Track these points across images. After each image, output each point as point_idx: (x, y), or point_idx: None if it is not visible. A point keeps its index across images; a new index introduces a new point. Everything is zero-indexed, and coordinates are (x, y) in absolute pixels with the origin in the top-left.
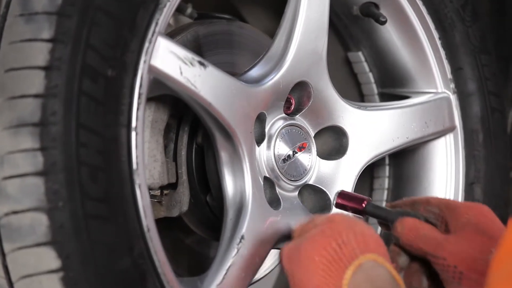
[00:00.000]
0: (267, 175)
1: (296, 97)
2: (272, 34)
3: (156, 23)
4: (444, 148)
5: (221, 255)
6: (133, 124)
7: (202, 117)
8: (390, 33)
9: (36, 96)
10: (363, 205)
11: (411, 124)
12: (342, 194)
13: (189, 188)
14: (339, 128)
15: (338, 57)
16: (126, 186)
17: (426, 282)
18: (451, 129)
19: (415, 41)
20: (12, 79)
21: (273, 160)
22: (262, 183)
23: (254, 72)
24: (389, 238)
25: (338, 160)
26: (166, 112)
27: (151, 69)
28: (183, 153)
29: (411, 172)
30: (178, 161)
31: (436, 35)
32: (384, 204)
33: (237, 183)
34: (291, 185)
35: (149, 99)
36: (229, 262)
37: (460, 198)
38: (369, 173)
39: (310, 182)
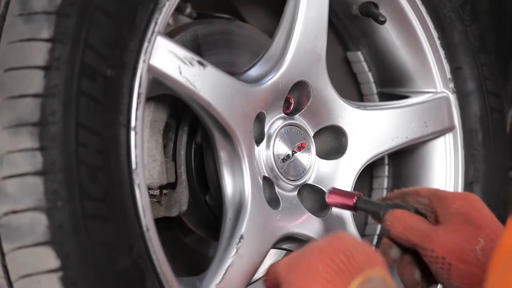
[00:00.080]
0: (266, 175)
1: (296, 97)
2: (271, 33)
3: (155, 23)
4: (443, 148)
5: (220, 254)
6: (133, 123)
7: (201, 117)
8: (389, 33)
9: (35, 95)
10: (354, 200)
11: (410, 123)
12: (333, 192)
13: (188, 187)
14: (338, 127)
15: (338, 57)
16: (125, 185)
17: (419, 273)
18: (450, 128)
19: (414, 40)
20: (11, 79)
21: (272, 159)
22: (261, 182)
23: (254, 72)
24: None
25: (337, 159)
26: (165, 111)
27: (150, 69)
28: (182, 152)
29: (411, 172)
30: (177, 161)
31: (435, 34)
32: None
33: (236, 182)
34: (290, 184)
35: (148, 99)
36: (228, 262)
37: None
38: (368, 173)
39: (310, 182)
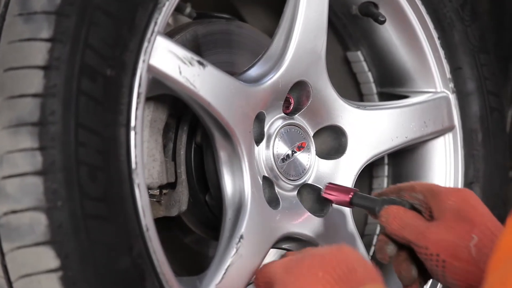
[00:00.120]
0: (266, 175)
1: (295, 97)
2: (271, 33)
3: (155, 23)
4: (443, 148)
5: (220, 254)
6: (132, 123)
7: (201, 117)
8: (389, 33)
9: (35, 95)
10: (350, 196)
11: (410, 123)
12: (329, 187)
13: (188, 187)
14: (338, 127)
15: (337, 57)
16: (125, 185)
17: (415, 270)
18: (450, 128)
19: (414, 40)
20: (11, 79)
21: (272, 159)
22: (261, 182)
23: (253, 72)
24: None
25: (337, 159)
26: (165, 111)
27: (150, 69)
28: (182, 152)
29: (410, 172)
30: (177, 161)
31: (435, 34)
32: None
33: (236, 182)
34: (290, 184)
35: (148, 99)
36: (228, 261)
37: None
38: (368, 173)
39: (309, 182)
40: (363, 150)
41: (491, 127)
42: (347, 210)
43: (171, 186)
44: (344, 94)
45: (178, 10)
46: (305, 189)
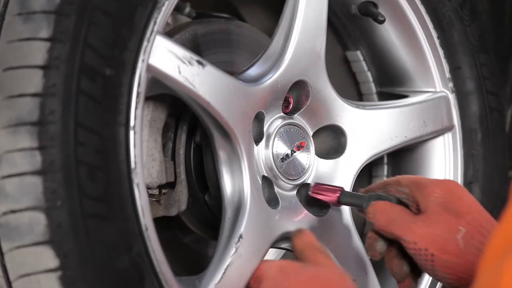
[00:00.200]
0: (266, 174)
1: (295, 96)
2: (270, 33)
3: (155, 22)
4: (443, 147)
5: (219, 254)
6: (132, 123)
7: (200, 116)
8: (388, 32)
9: (34, 95)
10: (337, 194)
11: (410, 123)
12: (316, 187)
13: (187, 187)
14: (337, 127)
15: (337, 56)
16: (124, 185)
17: (407, 266)
18: (450, 128)
19: (413, 40)
20: (10, 78)
21: (272, 159)
22: (260, 182)
23: (253, 71)
24: None
25: (337, 159)
26: (164, 111)
27: (150, 68)
28: (181, 152)
29: (410, 171)
30: (177, 160)
31: (434, 34)
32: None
33: (235, 182)
34: (290, 184)
35: (148, 98)
36: (227, 261)
37: None
38: (367, 172)
39: (309, 181)
40: (363, 150)
41: (490, 127)
42: (346, 210)
43: (171, 185)
44: (344, 94)
45: (178, 9)
46: (304, 188)
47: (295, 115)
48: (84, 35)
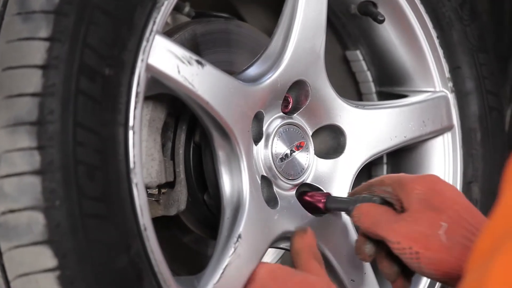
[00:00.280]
0: (265, 174)
1: (294, 96)
2: (270, 32)
3: (154, 22)
4: (442, 147)
5: (218, 254)
6: (131, 123)
7: (199, 116)
8: (388, 32)
9: (33, 95)
10: (323, 201)
11: (409, 123)
12: (303, 193)
13: (186, 186)
14: (337, 127)
15: (336, 56)
16: (123, 185)
17: (397, 266)
18: (449, 128)
19: (413, 40)
20: (9, 78)
21: (271, 159)
22: (259, 182)
23: (252, 71)
24: None
25: (336, 159)
26: (163, 110)
27: (149, 68)
28: (180, 151)
29: (409, 171)
30: (176, 160)
31: (434, 34)
32: None
33: (235, 182)
34: (289, 184)
35: (147, 98)
36: (226, 261)
37: None
38: (367, 172)
39: (308, 181)
40: (362, 150)
41: (490, 127)
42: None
43: (170, 185)
44: (343, 93)
45: (177, 9)
46: (303, 188)
47: (295, 114)
48: (83, 35)
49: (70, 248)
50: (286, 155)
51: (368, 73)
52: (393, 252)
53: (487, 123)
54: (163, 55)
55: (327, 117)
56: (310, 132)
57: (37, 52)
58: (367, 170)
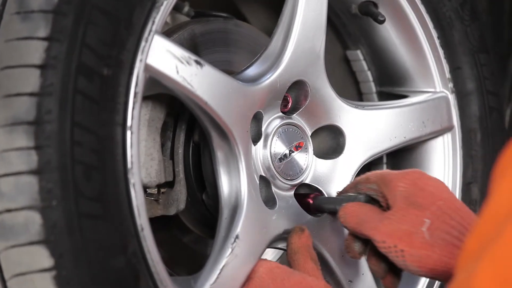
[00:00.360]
0: (263, 174)
1: (293, 96)
2: (271, 32)
3: (153, 22)
4: (442, 148)
5: (215, 254)
6: (129, 123)
7: (198, 116)
8: (388, 32)
9: (31, 94)
10: (310, 201)
11: (409, 123)
12: (295, 195)
13: (186, 186)
14: (336, 127)
15: (337, 55)
16: (121, 185)
17: (386, 263)
18: (449, 128)
19: (413, 40)
20: (7, 77)
21: (269, 159)
22: (258, 182)
23: (251, 71)
24: None
25: (335, 159)
26: (163, 110)
27: (147, 68)
28: (180, 151)
29: None
30: (175, 159)
31: (434, 34)
32: None
33: (233, 182)
34: (287, 184)
35: (146, 98)
36: (223, 262)
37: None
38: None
39: (307, 181)
40: (361, 150)
41: (490, 127)
42: None
43: (169, 185)
44: (343, 93)
45: (176, 8)
46: (302, 188)
47: (294, 115)
48: (82, 34)
49: (66, 248)
50: (285, 155)
51: (369, 73)
52: (380, 251)
53: (487, 124)
54: (162, 55)
55: (327, 117)
56: (309, 132)
57: (36, 51)
58: (367, 170)
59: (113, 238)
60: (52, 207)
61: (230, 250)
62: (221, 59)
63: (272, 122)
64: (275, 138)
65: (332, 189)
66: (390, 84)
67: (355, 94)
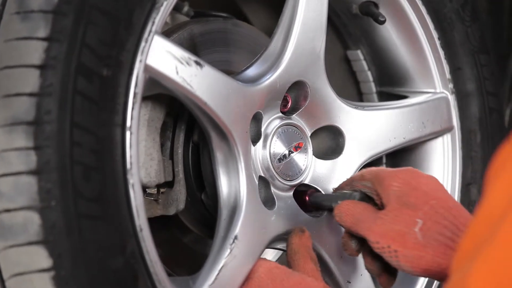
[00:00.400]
0: (262, 175)
1: (293, 97)
2: (272, 32)
3: (153, 22)
4: (441, 149)
5: (214, 255)
6: (128, 123)
7: (197, 117)
8: (389, 32)
9: (31, 94)
10: (306, 198)
11: (408, 124)
12: (294, 191)
13: (185, 186)
14: (335, 128)
15: (337, 55)
16: (120, 185)
17: (380, 261)
18: (449, 129)
19: (414, 40)
20: (7, 77)
21: (269, 159)
22: (257, 182)
23: (251, 72)
24: None
25: (334, 160)
26: (162, 110)
27: (147, 69)
28: (179, 151)
29: None
30: (175, 159)
31: (435, 35)
32: None
33: (232, 182)
34: (286, 184)
35: (146, 98)
36: (221, 262)
37: (456, 199)
38: None
39: (306, 182)
40: (361, 151)
41: (490, 128)
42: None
43: (169, 184)
44: (343, 93)
45: (176, 9)
46: (300, 189)
47: (294, 115)
48: (81, 35)
49: (65, 248)
50: (284, 155)
51: (369, 73)
52: (375, 252)
53: (487, 125)
54: (162, 56)
55: (326, 118)
56: (309, 133)
57: (35, 51)
58: None
59: (112, 238)
60: (51, 207)
61: (229, 250)
62: (220, 59)
63: (272, 122)
64: (274, 138)
65: (331, 190)
66: (390, 85)
67: (355, 94)
